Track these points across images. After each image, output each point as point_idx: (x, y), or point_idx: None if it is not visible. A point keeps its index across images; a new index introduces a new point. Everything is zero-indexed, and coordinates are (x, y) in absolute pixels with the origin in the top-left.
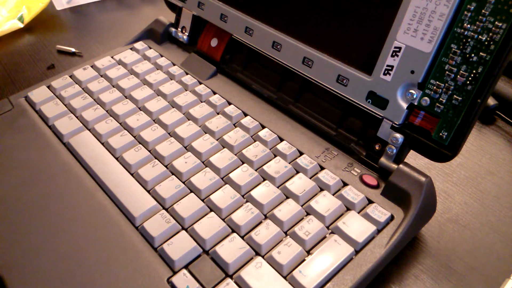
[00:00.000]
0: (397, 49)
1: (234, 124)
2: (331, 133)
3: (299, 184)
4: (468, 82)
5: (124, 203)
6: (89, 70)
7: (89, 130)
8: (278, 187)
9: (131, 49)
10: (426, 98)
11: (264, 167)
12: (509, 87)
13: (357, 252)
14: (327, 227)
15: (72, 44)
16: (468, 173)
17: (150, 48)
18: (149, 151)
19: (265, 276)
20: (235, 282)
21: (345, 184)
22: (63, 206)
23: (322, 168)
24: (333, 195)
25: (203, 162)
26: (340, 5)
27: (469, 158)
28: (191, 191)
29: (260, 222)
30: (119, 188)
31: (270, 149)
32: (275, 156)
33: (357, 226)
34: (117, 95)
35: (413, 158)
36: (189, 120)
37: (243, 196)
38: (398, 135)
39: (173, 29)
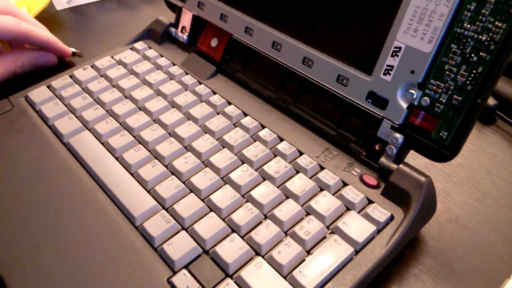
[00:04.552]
0: (397, 49)
1: (234, 124)
2: (331, 133)
3: (299, 184)
4: (468, 82)
5: (124, 203)
6: (89, 70)
7: (89, 130)
8: (278, 187)
9: (131, 49)
10: (426, 98)
11: (264, 167)
12: (509, 87)
13: (357, 252)
14: (327, 227)
15: (72, 44)
16: (468, 173)
17: (150, 48)
18: (149, 151)
19: (265, 276)
20: (235, 282)
21: (345, 184)
22: (63, 206)
23: (322, 168)
24: (333, 195)
25: (203, 162)
26: (340, 5)
27: (469, 158)
28: (191, 191)
29: (260, 222)
30: (119, 188)
31: (270, 149)
32: (275, 156)
33: (357, 226)
34: (117, 95)
35: (413, 158)
36: (189, 120)
37: (243, 196)
38: (398, 135)
39: (173, 29)
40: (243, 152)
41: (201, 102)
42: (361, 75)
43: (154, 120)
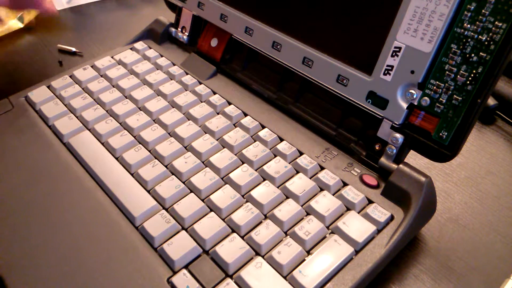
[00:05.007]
0: (397, 49)
1: (234, 124)
2: (331, 133)
3: (299, 184)
4: (468, 82)
5: (124, 203)
6: (89, 70)
7: (89, 130)
8: (278, 187)
9: (131, 49)
10: (426, 98)
11: (264, 167)
12: (509, 87)
13: (357, 252)
14: (327, 227)
15: (72, 44)
16: (468, 173)
17: (150, 48)
18: (149, 151)
19: (265, 276)
20: (235, 282)
21: (345, 184)
22: (63, 206)
23: (322, 168)
24: (333, 195)
25: (203, 162)
26: (340, 5)
27: (469, 158)
28: (191, 191)
29: (260, 222)
30: (119, 188)
31: (270, 149)
32: (275, 156)
33: (357, 226)
34: (117, 95)
35: (413, 158)
36: (189, 120)
37: (243, 196)
38: (398, 135)
39: (173, 29)
40: (243, 152)
41: (201, 102)
42: (361, 75)
43: (154, 120)
